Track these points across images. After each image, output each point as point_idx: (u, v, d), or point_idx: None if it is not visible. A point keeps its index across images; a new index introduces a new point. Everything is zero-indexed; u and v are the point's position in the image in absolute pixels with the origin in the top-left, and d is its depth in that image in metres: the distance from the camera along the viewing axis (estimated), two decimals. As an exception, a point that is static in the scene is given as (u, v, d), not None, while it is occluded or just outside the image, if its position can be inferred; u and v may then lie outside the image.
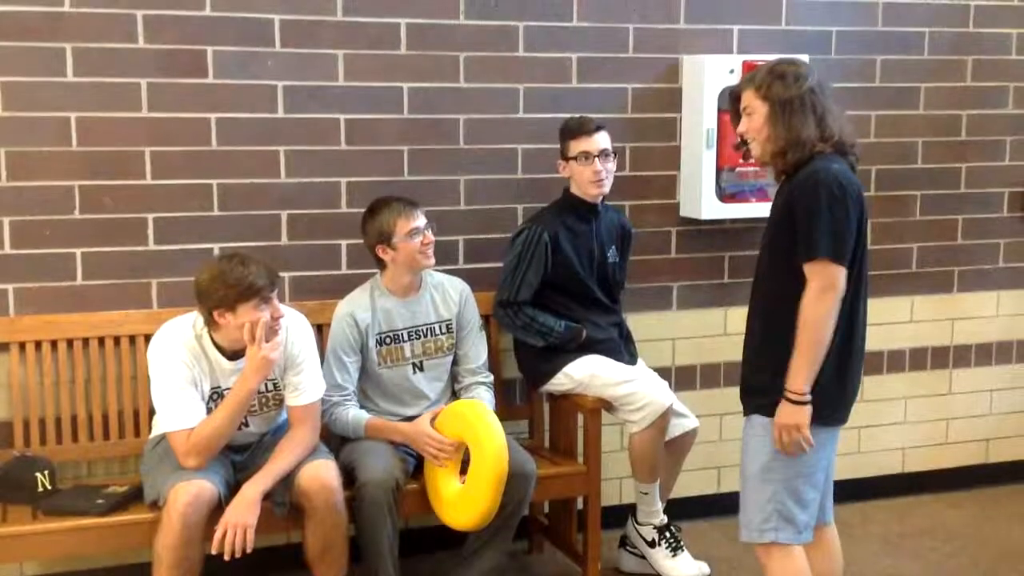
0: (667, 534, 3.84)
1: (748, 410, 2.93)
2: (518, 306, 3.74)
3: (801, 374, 2.74)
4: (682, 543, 3.86)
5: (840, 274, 2.72)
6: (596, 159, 3.71)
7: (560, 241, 3.74)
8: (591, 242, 3.82)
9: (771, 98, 2.79)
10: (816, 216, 2.69)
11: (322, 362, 3.51)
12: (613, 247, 3.91)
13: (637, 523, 3.89)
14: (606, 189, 3.78)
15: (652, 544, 3.85)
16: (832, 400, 2.83)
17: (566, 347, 3.76)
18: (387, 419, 3.60)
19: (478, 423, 3.39)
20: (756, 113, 2.82)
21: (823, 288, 2.71)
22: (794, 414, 2.75)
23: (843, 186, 2.71)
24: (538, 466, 3.62)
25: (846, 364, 2.83)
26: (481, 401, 3.60)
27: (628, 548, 3.97)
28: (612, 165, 3.79)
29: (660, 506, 3.85)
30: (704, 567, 3.85)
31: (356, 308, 3.60)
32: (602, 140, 3.74)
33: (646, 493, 3.83)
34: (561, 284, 3.78)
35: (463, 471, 3.47)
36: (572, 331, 3.76)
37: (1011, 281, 4.80)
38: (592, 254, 3.81)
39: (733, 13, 4.24)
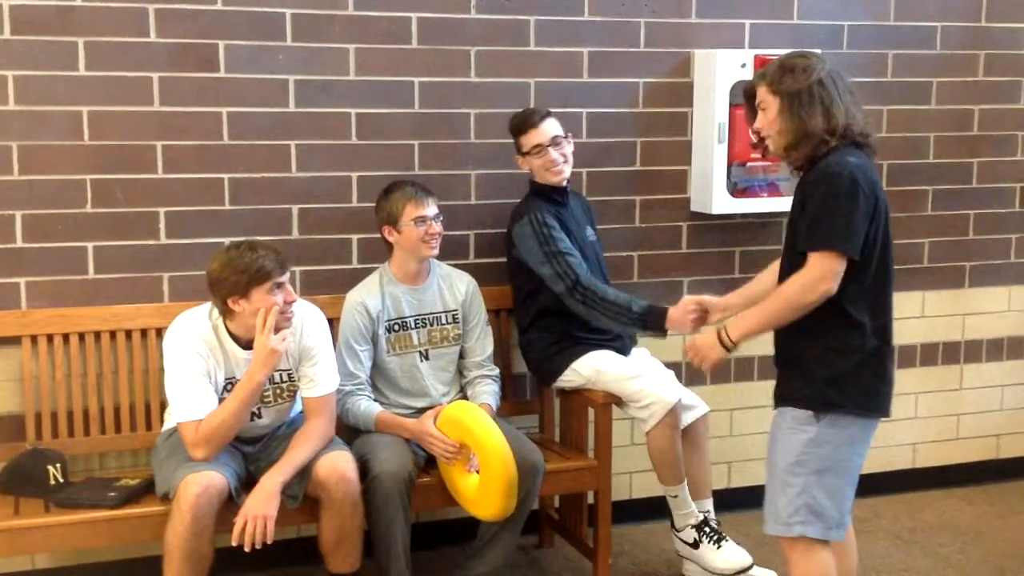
0: (707, 529, 3.78)
1: (779, 403, 2.91)
2: (581, 286, 3.65)
3: (748, 328, 2.84)
4: (724, 534, 3.78)
5: (840, 267, 2.71)
6: (549, 148, 3.71)
7: (561, 222, 3.73)
8: (573, 226, 3.80)
9: (781, 92, 2.80)
10: (824, 206, 2.70)
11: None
12: (588, 227, 3.91)
13: (676, 531, 3.83)
14: (567, 173, 3.77)
15: (695, 545, 3.78)
16: (873, 392, 2.82)
17: (647, 326, 3.62)
18: (397, 412, 3.62)
19: (476, 428, 3.38)
20: (769, 108, 2.84)
21: (821, 278, 2.71)
22: (715, 349, 2.89)
23: (856, 180, 2.71)
24: (548, 460, 3.63)
25: (883, 357, 2.83)
26: (472, 403, 3.58)
27: (683, 556, 3.88)
28: (568, 148, 3.76)
29: (693, 507, 3.79)
30: (747, 557, 3.74)
31: (367, 296, 3.61)
32: (551, 128, 3.73)
33: (675, 496, 3.78)
34: None
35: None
36: (651, 308, 3.61)
37: (1023, 276, 4.79)
38: (576, 239, 3.79)
39: (745, 7, 4.23)
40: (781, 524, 2.87)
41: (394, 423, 3.55)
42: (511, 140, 3.98)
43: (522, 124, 3.75)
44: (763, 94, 2.85)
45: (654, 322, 3.56)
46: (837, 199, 2.70)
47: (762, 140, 2.92)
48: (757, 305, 2.84)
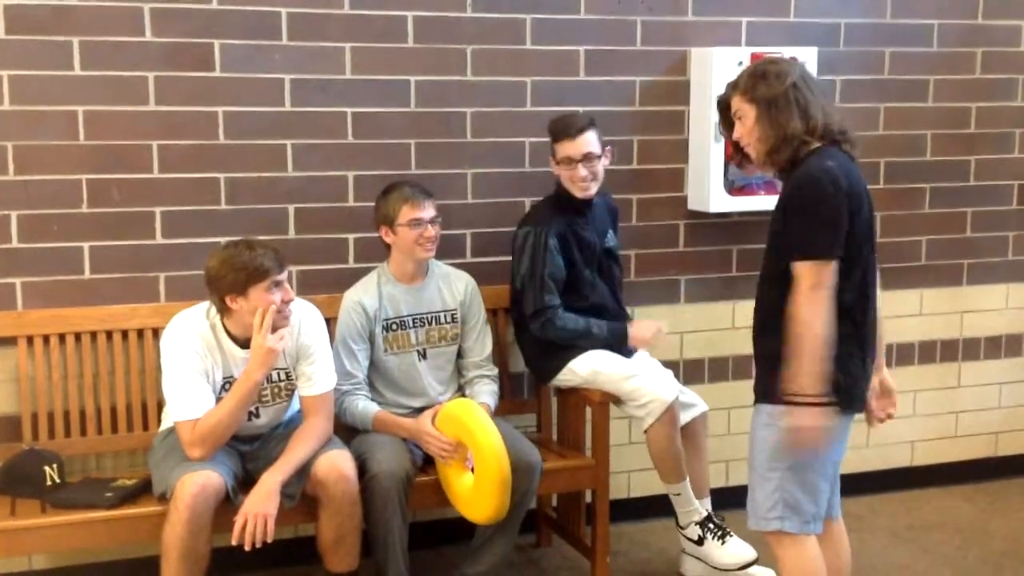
0: (711, 525, 3.78)
1: (757, 399, 2.93)
2: (545, 317, 3.69)
3: (802, 375, 2.68)
4: (728, 530, 3.78)
5: (828, 271, 2.70)
6: (579, 164, 3.68)
7: (566, 240, 3.73)
8: (592, 234, 3.80)
9: (757, 99, 2.80)
10: (803, 214, 2.71)
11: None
12: (610, 231, 3.90)
13: (681, 528, 3.83)
14: (592, 191, 3.73)
15: (700, 542, 3.78)
16: (845, 388, 2.80)
17: (613, 343, 3.77)
18: (394, 411, 3.62)
19: (473, 425, 3.38)
20: (746, 116, 2.84)
21: (812, 287, 2.69)
22: (803, 416, 2.71)
23: (833, 182, 2.70)
24: (546, 459, 3.63)
25: (862, 355, 2.83)
26: (472, 401, 3.58)
27: (689, 553, 3.89)
28: (599, 165, 3.72)
29: (696, 503, 3.79)
30: (752, 551, 3.74)
31: (364, 295, 3.62)
32: (586, 143, 3.67)
33: (678, 494, 3.78)
34: (567, 281, 3.76)
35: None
36: (615, 332, 3.77)
37: (1020, 274, 4.79)
38: (594, 246, 3.80)
39: (741, 5, 4.23)
40: (760, 519, 2.90)
41: (391, 423, 3.55)
42: (508, 139, 3.99)
43: (559, 133, 3.71)
44: (738, 103, 2.85)
45: (617, 340, 3.76)
46: (819, 204, 2.70)
47: (740, 150, 2.91)
48: (792, 354, 2.68)
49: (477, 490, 3.39)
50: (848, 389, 2.81)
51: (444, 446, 3.44)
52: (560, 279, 3.72)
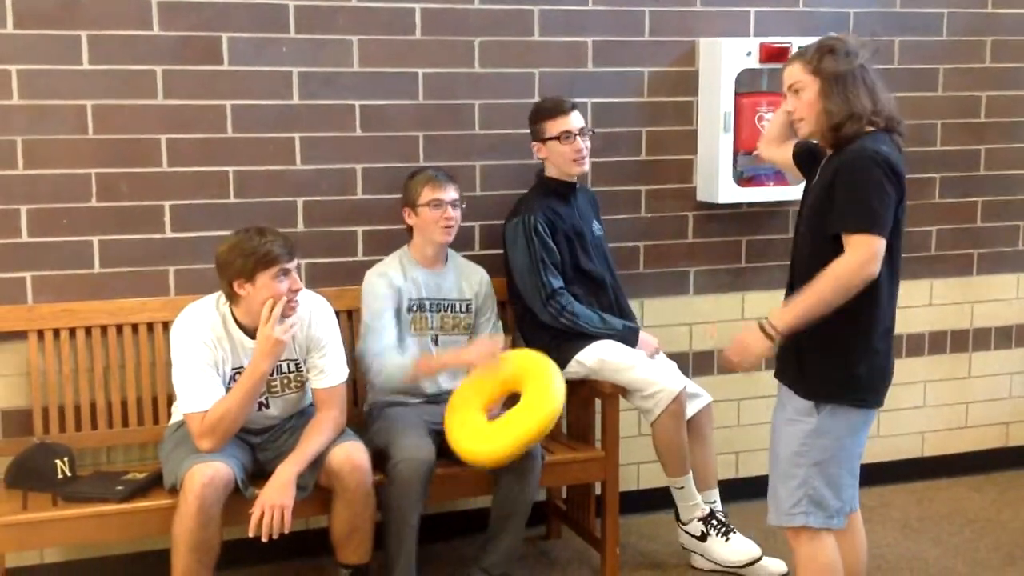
0: (714, 521, 3.78)
1: (781, 379, 2.91)
2: (557, 301, 3.70)
3: (793, 316, 2.71)
4: (732, 526, 3.78)
5: (881, 246, 2.69)
6: (577, 137, 3.73)
7: (554, 225, 3.74)
8: (578, 222, 3.81)
9: (822, 72, 2.77)
10: (860, 190, 2.68)
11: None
12: (595, 221, 3.92)
13: (682, 524, 3.82)
14: (587, 166, 3.81)
15: (703, 538, 3.77)
16: (874, 384, 2.83)
17: (622, 340, 3.77)
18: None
19: (544, 370, 3.40)
20: (807, 89, 2.80)
21: (867, 260, 2.67)
22: (759, 342, 2.74)
23: (895, 170, 2.71)
24: (555, 451, 3.64)
25: (888, 348, 2.84)
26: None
27: (689, 549, 3.89)
28: (589, 143, 3.80)
29: (699, 498, 3.78)
30: (756, 548, 3.75)
31: (389, 270, 3.64)
32: (579, 118, 3.77)
33: (681, 488, 3.77)
34: (563, 270, 3.77)
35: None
36: (629, 330, 3.79)
37: (1031, 264, 4.78)
38: (582, 234, 3.81)
39: (750, -6, 4.22)
40: (783, 515, 2.89)
41: (434, 360, 3.57)
42: (516, 131, 3.97)
43: (554, 109, 3.75)
44: (800, 75, 2.81)
45: (628, 339, 3.76)
46: (878, 184, 2.69)
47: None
48: (801, 293, 2.72)
49: (504, 425, 3.34)
50: (870, 383, 2.82)
51: (493, 349, 3.46)
52: (556, 262, 3.73)
